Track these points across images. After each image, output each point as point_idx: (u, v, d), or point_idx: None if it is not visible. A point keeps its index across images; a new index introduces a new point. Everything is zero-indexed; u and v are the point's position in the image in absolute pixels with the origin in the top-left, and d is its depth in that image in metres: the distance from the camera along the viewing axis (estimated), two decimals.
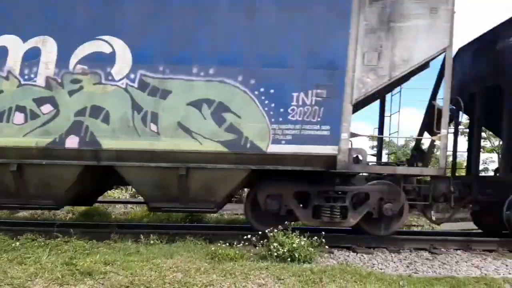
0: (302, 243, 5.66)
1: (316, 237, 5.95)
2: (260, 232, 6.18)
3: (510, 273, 5.67)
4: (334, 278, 4.91)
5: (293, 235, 5.78)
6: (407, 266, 5.90)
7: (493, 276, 5.40)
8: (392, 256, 6.43)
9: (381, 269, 5.72)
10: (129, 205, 13.09)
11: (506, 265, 6.07)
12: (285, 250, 5.52)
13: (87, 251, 5.63)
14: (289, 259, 5.47)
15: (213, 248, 5.66)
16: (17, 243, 5.79)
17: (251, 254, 5.80)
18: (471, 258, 6.41)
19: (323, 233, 6.17)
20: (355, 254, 6.51)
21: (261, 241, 6.00)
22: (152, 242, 6.30)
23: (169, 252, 5.66)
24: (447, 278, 5.18)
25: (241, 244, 5.97)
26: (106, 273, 4.77)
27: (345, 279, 4.89)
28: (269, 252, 5.66)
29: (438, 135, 6.79)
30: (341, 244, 6.86)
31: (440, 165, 6.87)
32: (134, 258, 5.32)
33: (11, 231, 6.54)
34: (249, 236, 6.08)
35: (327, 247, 6.18)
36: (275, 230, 5.88)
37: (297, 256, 5.50)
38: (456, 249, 6.94)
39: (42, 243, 5.85)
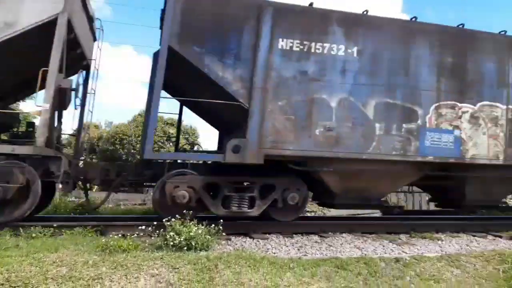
0: (200, 231, 5.64)
1: (213, 225, 5.99)
2: (155, 222, 6.01)
3: (386, 253, 6.32)
4: (229, 264, 4.99)
5: (190, 223, 5.73)
6: (298, 249, 6.25)
7: (372, 256, 5.98)
8: (285, 241, 6.75)
9: (274, 253, 5.97)
10: None
11: (383, 246, 6.75)
12: (181, 239, 5.45)
13: None
14: (185, 248, 5.42)
15: (104, 240, 5.35)
16: None
17: (146, 244, 5.62)
18: (354, 240, 7.01)
19: (221, 221, 6.23)
20: (252, 240, 6.70)
21: (158, 231, 5.83)
22: (34, 235, 5.76)
23: (53, 246, 5.21)
24: (332, 259, 5.61)
25: (136, 235, 5.75)
26: None
27: (240, 265, 5.00)
28: (165, 242, 5.54)
29: (39, 109, 6.17)
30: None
31: (37, 143, 6.14)
32: (11, 253, 4.81)
33: None
34: (143, 227, 5.87)
35: (224, 234, 6.26)
36: (173, 219, 5.77)
37: (194, 244, 5.46)
38: (342, 232, 7.53)
39: None
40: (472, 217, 10.01)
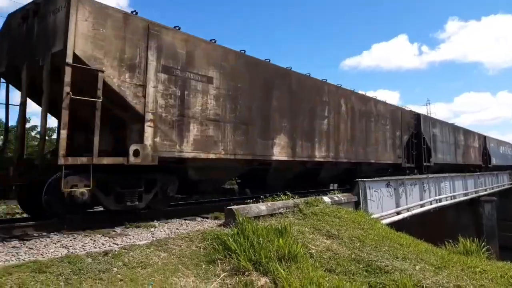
0: None
1: None
2: None
3: (96, 248, 6.04)
4: None
5: None
6: None
7: (78, 253, 5.60)
8: None
9: None
10: None
11: (94, 241, 6.46)
12: None
13: None
14: None
15: None
16: None
17: None
18: (61, 239, 6.44)
19: None
20: None
21: None
22: None
23: None
24: (29, 264, 4.94)
25: None
26: None
27: None
28: None
29: None
30: None
31: None
32: None
33: None
34: None
35: None
36: None
37: None
38: (50, 232, 6.81)
39: None
40: (186, 203, 11.00)
